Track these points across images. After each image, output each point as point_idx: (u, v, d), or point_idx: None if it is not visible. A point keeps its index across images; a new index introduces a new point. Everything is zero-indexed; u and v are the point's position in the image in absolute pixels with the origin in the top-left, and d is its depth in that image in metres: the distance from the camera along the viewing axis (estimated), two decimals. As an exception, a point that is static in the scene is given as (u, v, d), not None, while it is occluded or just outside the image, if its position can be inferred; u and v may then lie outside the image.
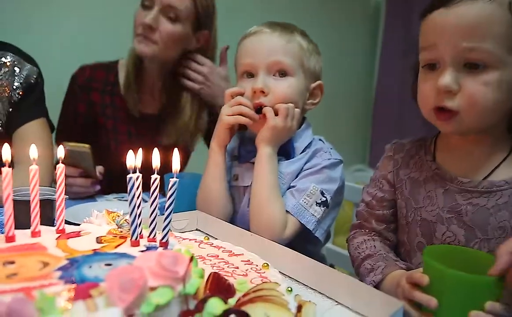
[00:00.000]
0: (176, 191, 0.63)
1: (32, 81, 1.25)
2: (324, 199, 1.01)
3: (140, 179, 0.65)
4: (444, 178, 0.82)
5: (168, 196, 0.63)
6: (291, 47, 1.05)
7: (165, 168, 0.70)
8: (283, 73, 1.04)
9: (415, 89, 0.85)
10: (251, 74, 1.05)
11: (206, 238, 0.82)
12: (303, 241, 1.02)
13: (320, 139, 1.12)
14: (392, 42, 3.15)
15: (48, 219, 0.87)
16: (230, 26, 1.58)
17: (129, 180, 0.61)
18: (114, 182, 1.42)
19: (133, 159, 0.63)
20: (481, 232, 0.77)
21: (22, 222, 0.65)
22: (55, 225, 0.68)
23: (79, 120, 1.50)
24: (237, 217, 1.09)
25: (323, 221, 1.02)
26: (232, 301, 0.54)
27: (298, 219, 0.99)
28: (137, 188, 0.63)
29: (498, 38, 0.72)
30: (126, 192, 0.62)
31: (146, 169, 0.67)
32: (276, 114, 1.01)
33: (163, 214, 0.63)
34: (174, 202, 0.63)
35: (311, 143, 1.10)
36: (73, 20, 2.02)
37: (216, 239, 0.88)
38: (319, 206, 1.01)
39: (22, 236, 0.64)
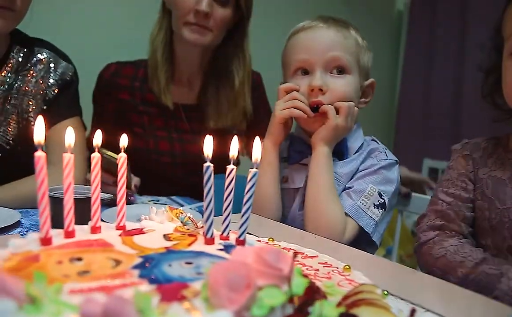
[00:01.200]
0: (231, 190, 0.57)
1: (67, 78, 1.20)
2: (382, 200, 0.95)
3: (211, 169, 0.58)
4: None
5: (226, 189, 0.57)
6: (348, 44, 0.99)
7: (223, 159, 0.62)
8: (340, 71, 0.98)
9: (488, 88, 0.81)
10: (306, 71, 0.99)
11: (271, 239, 0.75)
12: (358, 245, 0.95)
13: (373, 139, 1.06)
14: (415, 50, 3.10)
15: (85, 219, 0.79)
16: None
17: (206, 169, 0.54)
18: (149, 184, 1.36)
19: (208, 147, 0.56)
20: None
21: (58, 220, 0.57)
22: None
23: (110, 119, 1.41)
24: (286, 220, 1.03)
25: (380, 224, 0.96)
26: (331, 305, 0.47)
27: (356, 221, 0.93)
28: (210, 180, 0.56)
29: None
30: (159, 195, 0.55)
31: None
32: (337, 113, 0.95)
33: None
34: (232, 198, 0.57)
35: (363, 143, 1.04)
36: (106, 17, 1.98)
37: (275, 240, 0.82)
38: (377, 208, 0.95)
39: (81, 232, 0.57)
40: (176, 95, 1.41)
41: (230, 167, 0.57)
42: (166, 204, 1.28)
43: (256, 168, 0.56)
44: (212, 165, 0.55)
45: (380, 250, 2.06)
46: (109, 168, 1.15)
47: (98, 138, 0.61)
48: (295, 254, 0.45)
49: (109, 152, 1.12)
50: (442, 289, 0.62)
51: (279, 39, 1.13)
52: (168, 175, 1.44)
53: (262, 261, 0.41)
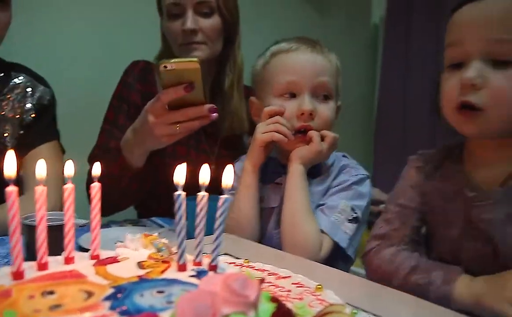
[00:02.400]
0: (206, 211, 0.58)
1: (45, 102, 1.20)
2: (355, 215, 0.98)
3: (183, 196, 0.59)
4: (466, 192, 0.77)
5: (198, 215, 0.58)
6: (332, 69, 1.04)
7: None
8: (325, 96, 1.01)
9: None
10: (293, 94, 1.01)
11: (246, 260, 0.77)
12: (334, 260, 0.98)
13: (343, 156, 1.09)
14: (392, 61, 3.15)
15: (58, 246, 0.79)
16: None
17: (177, 198, 0.55)
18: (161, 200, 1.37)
19: (180, 175, 0.58)
20: (503, 246, 0.71)
21: (34, 248, 0.57)
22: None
23: (131, 112, 1.36)
24: (263, 239, 1.04)
25: (355, 238, 0.99)
26: (300, 328, 0.48)
27: (331, 237, 0.95)
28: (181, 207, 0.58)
29: None
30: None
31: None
32: (322, 139, 0.99)
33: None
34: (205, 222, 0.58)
35: (335, 160, 1.07)
36: (84, 42, 1.98)
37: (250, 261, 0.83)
38: (351, 223, 0.97)
39: (55, 263, 0.58)
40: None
41: (201, 194, 0.58)
42: (145, 226, 1.28)
43: (228, 194, 0.57)
44: (183, 193, 0.56)
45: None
46: (175, 79, 0.98)
47: (70, 169, 0.61)
48: (262, 280, 0.46)
49: (174, 60, 0.97)
50: (412, 305, 0.64)
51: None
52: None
53: (228, 288, 0.42)
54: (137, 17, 1.99)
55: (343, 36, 2.85)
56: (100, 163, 1.26)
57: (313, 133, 0.99)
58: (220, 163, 1.51)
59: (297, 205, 0.95)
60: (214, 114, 1.02)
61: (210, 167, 1.41)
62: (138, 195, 1.32)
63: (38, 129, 1.19)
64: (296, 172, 0.97)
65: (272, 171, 1.07)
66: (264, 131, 1.00)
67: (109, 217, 1.35)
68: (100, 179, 1.20)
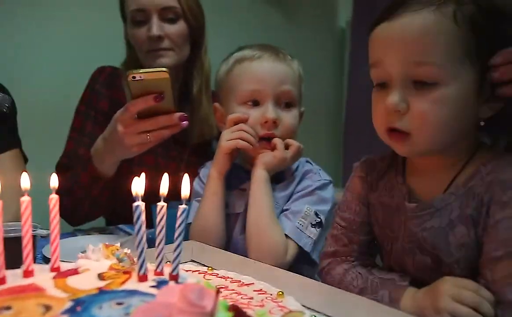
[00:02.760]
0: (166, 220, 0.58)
1: (4, 110, 1.18)
2: (319, 220, 1.00)
3: (142, 207, 0.59)
4: (406, 204, 0.76)
5: (158, 224, 0.59)
6: (295, 77, 1.06)
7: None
8: (288, 104, 1.03)
9: None
10: (256, 102, 1.02)
11: (210, 268, 0.77)
12: (300, 264, 0.99)
13: (307, 161, 1.12)
14: (359, 64, 3.20)
15: (17, 258, 0.76)
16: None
17: (136, 209, 0.56)
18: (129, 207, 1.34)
19: (138, 186, 0.58)
20: (446, 255, 0.71)
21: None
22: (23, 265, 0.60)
23: (99, 118, 1.37)
24: (229, 244, 1.05)
25: (318, 242, 1.00)
26: (258, 335, 0.50)
27: (296, 242, 0.96)
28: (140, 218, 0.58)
29: (445, 50, 0.67)
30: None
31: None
32: (286, 147, 1.01)
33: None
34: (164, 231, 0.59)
35: (298, 165, 1.09)
36: (48, 48, 1.94)
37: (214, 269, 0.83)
38: (314, 227, 0.99)
39: (13, 277, 0.57)
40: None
41: (161, 204, 0.59)
42: (112, 233, 1.27)
43: (186, 204, 0.58)
44: (141, 204, 0.56)
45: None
46: (144, 92, 0.98)
47: (25, 181, 0.60)
48: (218, 290, 0.47)
49: (143, 70, 0.96)
50: (371, 309, 0.66)
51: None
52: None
53: (185, 299, 0.43)
54: (102, 23, 1.96)
55: (309, 40, 2.88)
56: (68, 172, 1.25)
57: (277, 141, 1.01)
58: (190, 170, 1.52)
59: (262, 210, 0.96)
60: (185, 122, 1.02)
61: (179, 174, 1.42)
62: (109, 203, 1.31)
63: (-2, 138, 1.16)
64: (260, 178, 0.99)
65: (236, 177, 1.08)
66: (229, 138, 1.01)
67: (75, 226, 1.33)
68: (71, 189, 1.19)
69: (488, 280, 0.66)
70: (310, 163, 1.11)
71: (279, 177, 1.05)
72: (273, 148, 1.01)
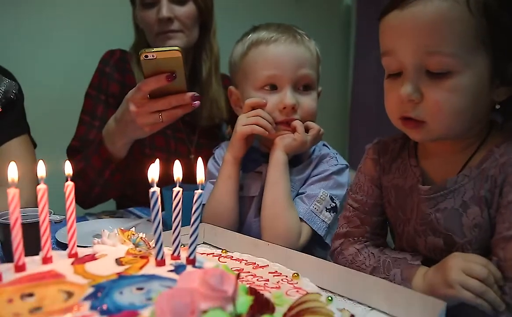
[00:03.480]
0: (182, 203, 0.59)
1: (11, 96, 1.17)
2: (334, 204, 1.00)
3: (158, 192, 0.59)
4: (419, 186, 0.77)
5: (174, 210, 0.59)
6: (313, 59, 1.04)
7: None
8: (307, 87, 1.01)
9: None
10: (274, 86, 1.01)
11: (224, 251, 0.78)
12: (312, 247, 1.00)
13: (324, 145, 1.10)
14: (365, 44, 3.16)
15: (35, 245, 0.77)
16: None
17: (152, 195, 0.56)
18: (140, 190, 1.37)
19: (154, 172, 0.58)
20: (459, 236, 0.72)
21: (8, 246, 0.57)
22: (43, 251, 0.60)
23: (110, 101, 1.38)
24: (242, 228, 1.05)
25: (333, 226, 1.00)
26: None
27: (310, 225, 0.97)
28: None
29: (458, 38, 0.66)
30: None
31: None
32: (306, 130, 1.00)
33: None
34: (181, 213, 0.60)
35: (315, 149, 1.08)
36: (55, 34, 1.93)
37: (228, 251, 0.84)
38: (329, 212, 0.99)
39: (32, 264, 0.58)
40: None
41: (176, 189, 0.59)
42: (123, 217, 1.28)
43: (202, 189, 0.58)
44: (158, 189, 0.56)
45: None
46: (156, 69, 0.97)
47: (41, 170, 0.61)
48: (239, 274, 0.47)
49: (156, 49, 0.95)
50: (385, 289, 0.66)
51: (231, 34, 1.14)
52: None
53: (206, 284, 0.43)
54: (110, 7, 1.95)
55: (315, 19, 2.85)
56: (80, 155, 1.25)
57: (297, 123, 0.99)
58: (199, 152, 1.53)
59: (279, 193, 0.96)
60: (197, 102, 1.01)
61: (189, 156, 1.44)
62: (121, 186, 1.31)
63: (6, 125, 1.16)
64: (278, 160, 0.97)
65: (252, 160, 1.07)
66: (245, 123, 0.99)
67: (86, 210, 1.34)
68: (82, 172, 1.20)
69: (501, 258, 0.66)
70: (327, 147, 1.10)
71: (296, 160, 1.04)
72: (293, 130, 0.99)
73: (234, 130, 1.02)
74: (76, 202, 1.23)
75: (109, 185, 1.25)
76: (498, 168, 0.69)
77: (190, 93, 1.00)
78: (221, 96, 1.44)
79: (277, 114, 1.00)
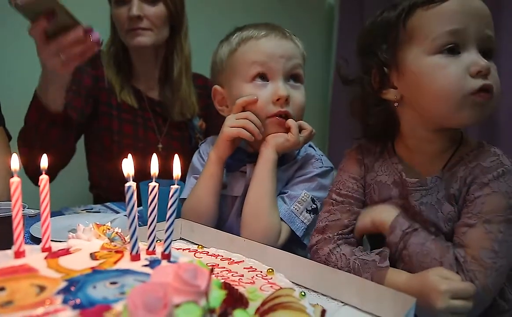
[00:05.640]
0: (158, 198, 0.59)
1: (-14, 88, 1.15)
2: (315, 206, 1.00)
3: (134, 187, 0.59)
4: (406, 180, 0.82)
5: (149, 205, 0.59)
6: (300, 53, 1.04)
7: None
8: (297, 80, 1.01)
9: (357, 106, 0.87)
10: (264, 78, 1.00)
11: (200, 246, 0.78)
12: (292, 245, 1.00)
13: (310, 145, 1.10)
14: (348, 44, 3.19)
15: (7, 239, 0.76)
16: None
17: (127, 189, 0.56)
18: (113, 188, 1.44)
19: (129, 166, 0.58)
20: (438, 229, 0.78)
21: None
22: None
23: (82, 92, 1.43)
24: (224, 227, 1.05)
25: (311, 227, 1.01)
26: (250, 311, 0.51)
27: (289, 225, 0.97)
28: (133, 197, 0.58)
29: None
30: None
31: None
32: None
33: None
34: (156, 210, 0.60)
35: (300, 149, 1.08)
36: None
37: (204, 246, 0.84)
38: (309, 213, 0.99)
39: (4, 258, 0.57)
40: (142, 89, 1.53)
41: (152, 184, 0.59)
42: (100, 212, 1.27)
43: (178, 185, 0.58)
44: (133, 184, 0.56)
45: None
46: (37, 10, 0.94)
47: (15, 163, 0.60)
48: (212, 269, 0.48)
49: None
50: (357, 284, 0.68)
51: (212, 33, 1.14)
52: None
53: (180, 279, 0.44)
54: (87, 7, 1.92)
55: (298, 18, 2.87)
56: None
57: (292, 123, 0.98)
58: (169, 143, 1.58)
59: (264, 191, 0.95)
60: (95, 35, 0.99)
61: (157, 146, 1.45)
62: (62, 147, 1.27)
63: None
64: (268, 158, 0.97)
65: (237, 158, 1.05)
66: (232, 125, 0.98)
67: (62, 204, 1.33)
68: (23, 133, 1.21)
69: (461, 240, 0.74)
70: (313, 148, 1.09)
71: (281, 159, 1.02)
72: (287, 130, 0.99)
73: (221, 130, 1.00)
74: (26, 174, 1.22)
75: (47, 142, 1.19)
76: (468, 170, 0.77)
77: (84, 26, 0.97)
78: (192, 95, 1.53)
79: (270, 107, 0.99)
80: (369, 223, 0.84)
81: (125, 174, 0.57)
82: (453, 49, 0.74)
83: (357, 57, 0.88)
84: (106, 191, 1.48)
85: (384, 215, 0.81)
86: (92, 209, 1.32)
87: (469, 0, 0.76)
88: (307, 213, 0.99)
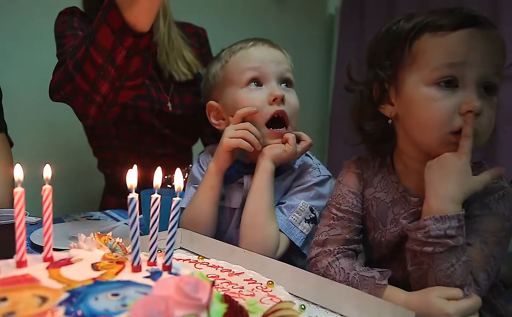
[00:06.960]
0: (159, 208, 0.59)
1: (-11, 94, 1.16)
2: (313, 215, 1.00)
3: (136, 199, 0.60)
4: (409, 200, 0.83)
5: (151, 216, 0.60)
6: (289, 61, 1.07)
7: None
8: (288, 85, 1.03)
9: (356, 115, 0.87)
10: (259, 83, 1.02)
11: (201, 257, 0.79)
12: (292, 254, 1.01)
13: (307, 154, 1.10)
14: (348, 51, 3.19)
15: (9, 246, 0.75)
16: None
17: (130, 201, 0.56)
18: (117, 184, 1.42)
19: (132, 177, 0.58)
20: None
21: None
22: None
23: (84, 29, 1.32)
24: (223, 238, 1.05)
25: (311, 237, 1.01)
26: (250, 325, 0.51)
27: (288, 236, 0.97)
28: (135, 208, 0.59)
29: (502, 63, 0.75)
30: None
31: None
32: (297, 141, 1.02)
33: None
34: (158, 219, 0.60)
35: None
36: (33, 33, 1.90)
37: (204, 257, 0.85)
38: (308, 223, 1.00)
39: (6, 267, 0.57)
40: None
41: (155, 196, 0.59)
42: (99, 219, 1.27)
43: (180, 197, 0.59)
44: (135, 196, 0.57)
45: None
46: None
47: (19, 172, 0.60)
48: (213, 282, 0.48)
49: None
50: (357, 298, 0.68)
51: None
52: (145, 125, 1.44)
53: (181, 292, 0.44)
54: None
55: (298, 27, 2.88)
56: (74, 48, 1.11)
57: (289, 136, 0.99)
58: (180, 100, 1.50)
59: (262, 203, 0.95)
60: None
61: (168, 105, 1.46)
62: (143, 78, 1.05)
63: (-18, 123, 1.15)
64: (265, 169, 0.97)
65: (235, 170, 1.06)
66: (232, 136, 0.99)
67: (61, 212, 1.33)
68: (81, 62, 0.97)
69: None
70: (310, 157, 1.10)
71: (278, 169, 1.03)
72: (285, 142, 1.00)
73: (220, 141, 1.01)
74: (77, 114, 1.15)
75: (121, 77, 0.95)
76: None
77: None
78: (185, 47, 1.48)
79: (267, 109, 1.00)
80: None
81: (128, 186, 0.57)
82: (450, 82, 0.74)
83: (365, 64, 0.89)
84: (116, 162, 1.45)
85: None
86: (92, 216, 1.32)
87: (476, 32, 0.74)
88: (306, 222, 0.99)
